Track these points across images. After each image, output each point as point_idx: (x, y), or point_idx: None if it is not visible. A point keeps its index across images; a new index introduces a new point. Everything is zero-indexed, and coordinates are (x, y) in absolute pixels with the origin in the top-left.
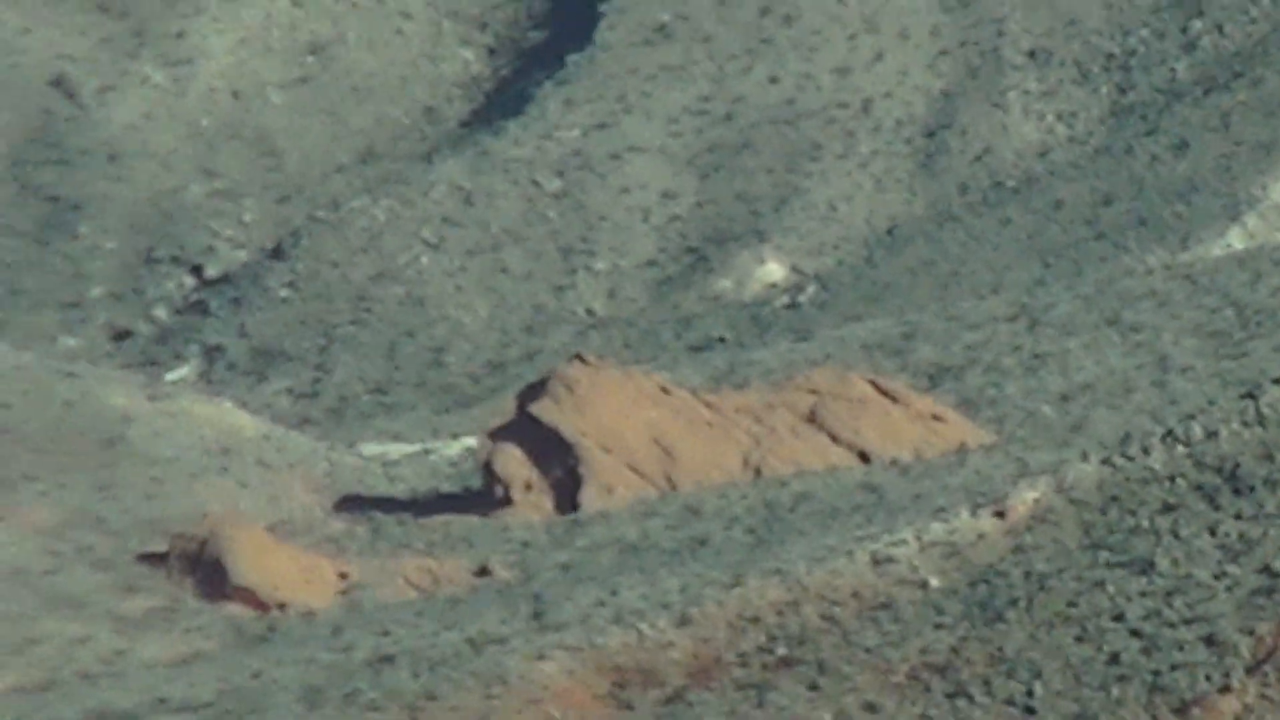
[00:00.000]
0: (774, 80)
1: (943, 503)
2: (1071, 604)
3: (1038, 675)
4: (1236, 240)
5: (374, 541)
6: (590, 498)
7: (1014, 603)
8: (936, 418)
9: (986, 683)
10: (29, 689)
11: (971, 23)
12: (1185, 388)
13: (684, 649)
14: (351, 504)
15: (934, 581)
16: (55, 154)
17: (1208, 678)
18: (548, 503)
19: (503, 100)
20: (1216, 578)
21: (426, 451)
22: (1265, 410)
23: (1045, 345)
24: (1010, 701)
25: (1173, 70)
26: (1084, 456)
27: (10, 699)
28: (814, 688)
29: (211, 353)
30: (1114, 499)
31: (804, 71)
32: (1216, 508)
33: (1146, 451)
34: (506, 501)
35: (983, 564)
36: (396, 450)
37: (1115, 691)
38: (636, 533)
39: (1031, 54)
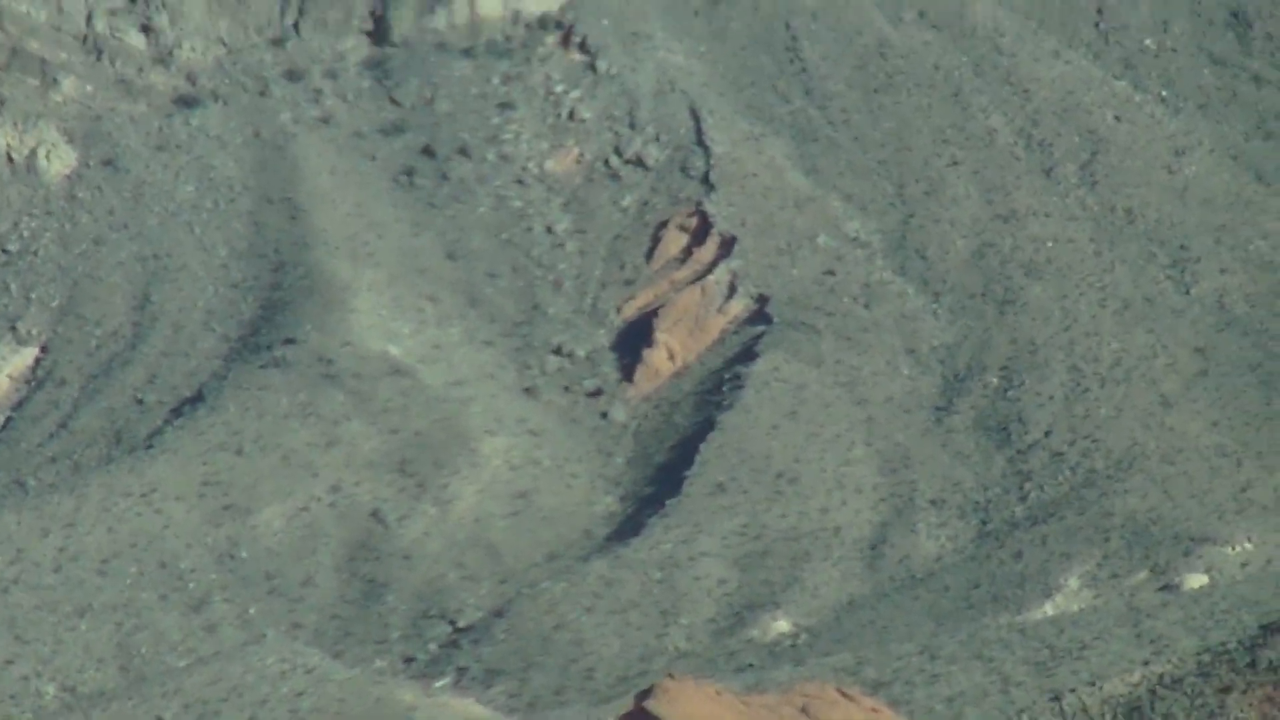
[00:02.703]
0: (784, 516)
1: None
2: None
3: None
4: (1049, 610)
5: None
6: None
7: None
8: (875, 710)
9: None
10: None
11: (898, 483)
12: (1020, 695)
13: None
14: None
15: None
16: (373, 555)
17: None
18: None
19: (629, 527)
20: None
21: None
22: (1065, 706)
23: (937, 669)
24: None
25: (1014, 512)
26: None
27: None
28: None
29: (460, 671)
30: None
31: (801, 511)
32: None
33: None
34: None
35: None
36: None
37: None
38: None
39: (933, 501)
